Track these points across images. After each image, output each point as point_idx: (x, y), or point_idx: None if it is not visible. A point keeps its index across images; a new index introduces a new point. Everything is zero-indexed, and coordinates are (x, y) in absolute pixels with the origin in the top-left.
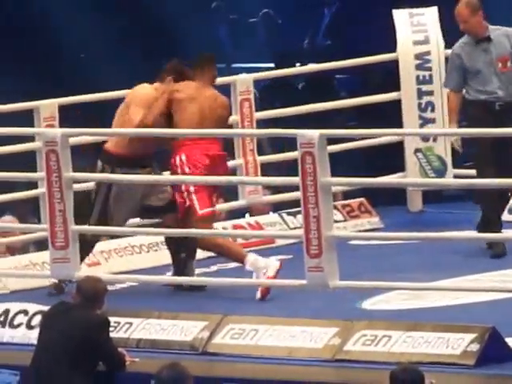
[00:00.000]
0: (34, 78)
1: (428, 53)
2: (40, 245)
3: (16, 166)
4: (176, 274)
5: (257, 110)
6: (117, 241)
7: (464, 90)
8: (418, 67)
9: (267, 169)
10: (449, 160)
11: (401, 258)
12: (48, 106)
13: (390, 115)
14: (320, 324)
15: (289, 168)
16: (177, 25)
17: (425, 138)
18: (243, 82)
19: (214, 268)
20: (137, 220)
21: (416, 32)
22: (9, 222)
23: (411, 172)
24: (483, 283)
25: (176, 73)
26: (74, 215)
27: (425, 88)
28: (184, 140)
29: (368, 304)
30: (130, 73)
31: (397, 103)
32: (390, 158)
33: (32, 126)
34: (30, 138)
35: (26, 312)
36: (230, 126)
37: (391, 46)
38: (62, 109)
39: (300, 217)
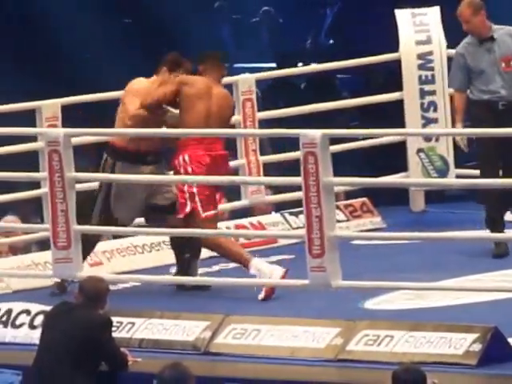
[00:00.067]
0: (35, 78)
1: (430, 53)
2: (42, 245)
3: (18, 166)
4: (179, 273)
5: (259, 110)
6: (119, 241)
7: (468, 90)
8: (421, 67)
9: (267, 169)
10: (451, 160)
11: (403, 258)
12: (50, 106)
13: (393, 115)
14: (322, 324)
15: (287, 168)
16: (179, 25)
17: (427, 138)
18: (245, 81)
19: (215, 268)
20: (139, 220)
21: (418, 32)
22: (11, 221)
23: (413, 172)
24: (485, 283)
25: (171, 63)
26: (77, 215)
27: (427, 88)
28: (188, 139)
29: (370, 304)
30: (132, 73)
31: (399, 103)
32: (393, 157)
33: (33, 126)
34: (32, 138)
35: (28, 312)
36: (233, 126)
37: (393, 46)
38: (64, 109)
39: (302, 217)
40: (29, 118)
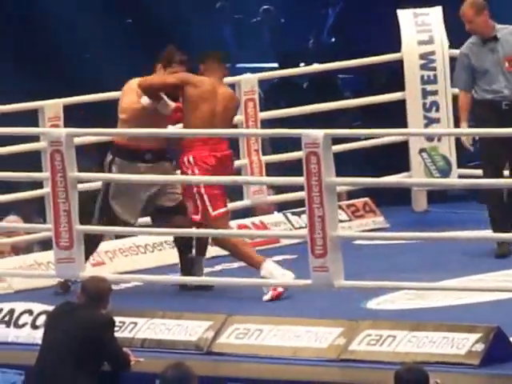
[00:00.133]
0: (35, 78)
1: (432, 53)
2: (44, 245)
3: (20, 166)
4: (183, 273)
5: (261, 110)
6: (121, 240)
7: (473, 90)
8: (423, 67)
9: (268, 169)
10: (453, 160)
11: (405, 258)
12: (53, 106)
13: (395, 115)
14: (325, 324)
15: (287, 168)
16: (180, 25)
17: (429, 138)
18: (248, 81)
19: (218, 268)
20: (140, 220)
21: (420, 32)
22: (13, 221)
23: (416, 172)
24: (488, 283)
25: (164, 59)
26: (80, 214)
27: (429, 88)
28: (193, 140)
29: (373, 304)
30: (133, 73)
31: (401, 103)
32: (395, 157)
33: (35, 125)
34: (34, 138)
35: (30, 312)
36: (235, 126)
37: (396, 46)
38: (66, 109)
39: (305, 216)
40: (31, 118)
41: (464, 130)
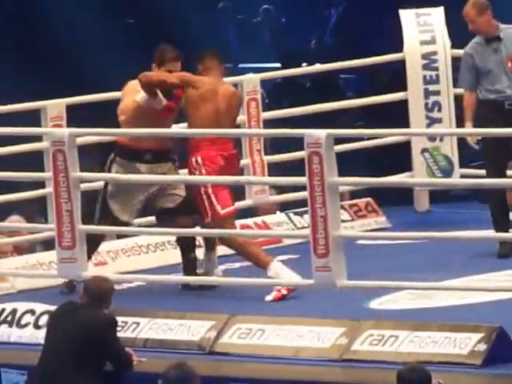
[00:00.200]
0: (35, 78)
1: (435, 53)
2: (47, 244)
3: (23, 166)
4: (185, 273)
5: (264, 110)
6: (124, 240)
7: (478, 90)
8: (425, 67)
9: (269, 169)
10: (456, 160)
11: (408, 258)
12: (55, 106)
13: (397, 115)
14: (327, 324)
15: (287, 168)
16: (183, 25)
17: (432, 138)
18: (250, 81)
19: (221, 267)
20: (143, 220)
21: (423, 32)
22: (16, 221)
23: (418, 172)
24: (490, 283)
25: (157, 59)
26: (84, 214)
27: (432, 88)
28: (200, 140)
29: (375, 304)
30: (135, 73)
31: (404, 103)
32: (397, 157)
33: (37, 125)
34: (36, 138)
35: (33, 312)
36: (238, 126)
37: (398, 46)
38: (68, 108)
39: (307, 216)
40: (33, 117)
41: (466, 129)
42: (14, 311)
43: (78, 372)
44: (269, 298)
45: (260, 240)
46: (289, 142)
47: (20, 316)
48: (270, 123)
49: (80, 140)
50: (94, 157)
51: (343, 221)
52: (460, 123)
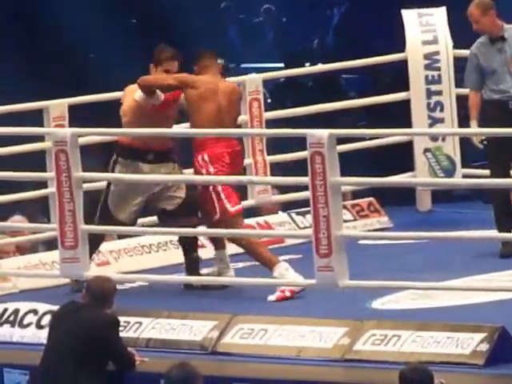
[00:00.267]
0: (40, 78)
1: (437, 53)
2: (49, 244)
3: (25, 166)
4: (188, 273)
5: (266, 110)
6: (126, 240)
7: (483, 90)
8: (427, 67)
9: (271, 169)
10: (458, 160)
11: (410, 258)
12: (58, 106)
13: (399, 115)
14: (329, 324)
15: (287, 168)
16: (185, 25)
17: (434, 138)
18: (252, 81)
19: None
20: (145, 220)
21: (425, 32)
22: (18, 221)
23: (420, 172)
24: (492, 283)
25: (154, 60)
26: (88, 214)
27: (434, 88)
28: (205, 138)
29: (378, 304)
30: (137, 73)
31: (406, 103)
32: (399, 157)
33: (40, 125)
34: (39, 138)
35: (35, 312)
36: (240, 126)
37: (400, 46)
38: (70, 109)
39: (309, 216)
40: (35, 117)
41: (468, 129)
42: (16, 311)
43: (80, 372)
44: (271, 298)
45: (262, 240)
46: (289, 142)
47: (22, 316)
48: (272, 123)
49: (82, 140)
50: (97, 157)
51: (345, 221)
52: (465, 123)
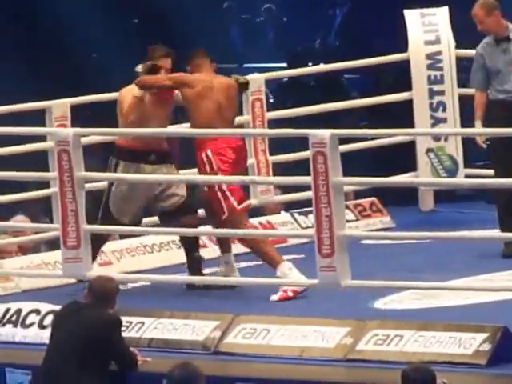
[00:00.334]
0: (43, 78)
1: (439, 53)
2: (52, 244)
3: (27, 166)
4: (190, 273)
5: (269, 110)
6: (128, 240)
7: (489, 90)
8: (430, 67)
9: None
10: (460, 159)
11: (412, 258)
12: (60, 106)
13: (402, 115)
14: (332, 323)
15: (285, 168)
16: (188, 25)
17: (436, 138)
18: (255, 81)
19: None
20: (147, 220)
21: (427, 32)
22: (21, 221)
23: (423, 171)
24: (495, 283)
25: (148, 58)
26: (90, 214)
27: (436, 88)
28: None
29: (380, 303)
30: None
31: (408, 103)
32: (402, 157)
33: (41, 125)
34: (41, 138)
35: (38, 311)
36: (242, 126)
37: (402, 46)
38: (72, 109)
39: (312, 216)
40: (35, 117)
41: (470, 129)
42: (18, 311)
43: (82, 372)
44: (274, 297)
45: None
46: (290, 142)
47: (25, 316)
48: (274, 123)
49: (84, 140)
50: (99, 157)
51: (348, 221)
52: (469, 122)
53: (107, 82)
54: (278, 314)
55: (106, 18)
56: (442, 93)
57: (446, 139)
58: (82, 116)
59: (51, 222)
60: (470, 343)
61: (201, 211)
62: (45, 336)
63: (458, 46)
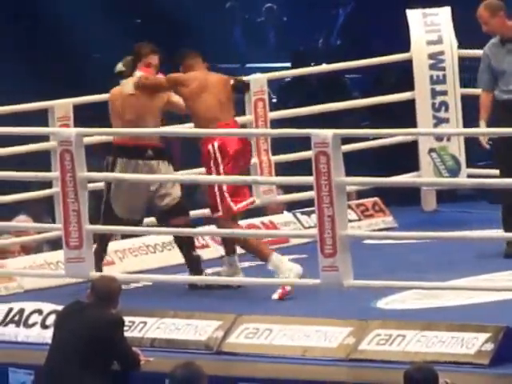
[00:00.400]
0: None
1: (441, 53)
2: (54, 244)
3: (30, 166)
4: (191, 272)
5: (271, 110)
6: (131, 240)
7: (495, 90)
8: (432, 67)
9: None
10: (463, 159)
11: (415, 258)
12: (62, 106)
13: (404, 115)
14: (334, 323)
15: (286, 168)
16: (190, 25)
17: (439, 138)
18: (257, 81)
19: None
20: (148, 220)
21: (429, 32)
22: (23, 221)
23: (425, 171)
24: (497, 283)
25: (135, 56)
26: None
27: (438, 88)
28: (215, 125)
29: (382, 303)
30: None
31: (410, 103)
32: (404, 157)
33: (44, 125)
34: (43, 138)
35: (40, 311)
36: (244, 126)
37: (405, 46)
38: (73, 108)
39: (314, 216)
40: (40, 117)
41: (472, 129)
42: (21, 311)
43: (85, 372)
44: (275, 296)
45: (267, 240)
46: (291, 142)
47: (27, 316)
48: (276, 123)
49: (86, 140)
50: (101, 156)
51: (350, 220)
52: (471, 122)
53: (108, 82)
54: (280, 314)
55: (109, 18)
56: (444, 93)
57: (448, 139)
58: (81, 116)
59: (54, 221)
60: (473, 343)
61: (206, 211)
62: (47, 336)
63: (460, 46)
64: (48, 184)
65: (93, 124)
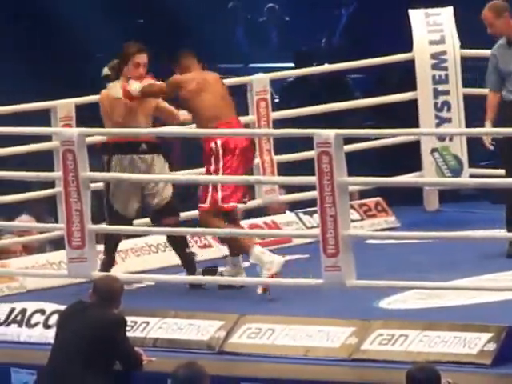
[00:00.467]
0: (37, 78)
1: (444, 52)
2: (57, 244)
3: (32, 166)
4: (188, 273)
5: (273, 110)
6: (133, 240)
7: (503, 91)
8: (434, 67)
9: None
10: (465, 159)
11: (417, 258)
12: (65, 106)
13: (406, 115)
14: (337, 323)
15: (287, 168)
16: (193, 25)
17: (441, 138)
18: (260, 81)
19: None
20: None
21: (432, 32)
22: (26, 221)
23: (428, 171)
24: (499, 283)
25: (122, 56)
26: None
27: (441, 88)
28: (218, 123)
29: (385, 303)
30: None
31: (413, 103)
32: (407, 157)
33: (45, 125)
34: (46, 138)
35: (42, 311)
36: (247, 126)
37: (407, 46)
38: (75, 108)
39: (316, 216)
40: (42, 117)
41: (475, 129)
42: (23, 311)
43: (87, 371)
44: (259, 291)
45: (269, 240)
46: (292, 142)
47: (30, 315)
48: (279, 123)
49: (90, 140)
50: (100, 156)
51: (353, 220)
52: (474, 122)
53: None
54: (282, 314)
55: (109, 18)
56: (446, 93)
57: (450, 139)
58: (82, 116)
59: (56, 221)
60: (475, 343)
61: None
62: (50, 336)
63: (462, 46)
64: (49, 184)
65: (93, 124)
